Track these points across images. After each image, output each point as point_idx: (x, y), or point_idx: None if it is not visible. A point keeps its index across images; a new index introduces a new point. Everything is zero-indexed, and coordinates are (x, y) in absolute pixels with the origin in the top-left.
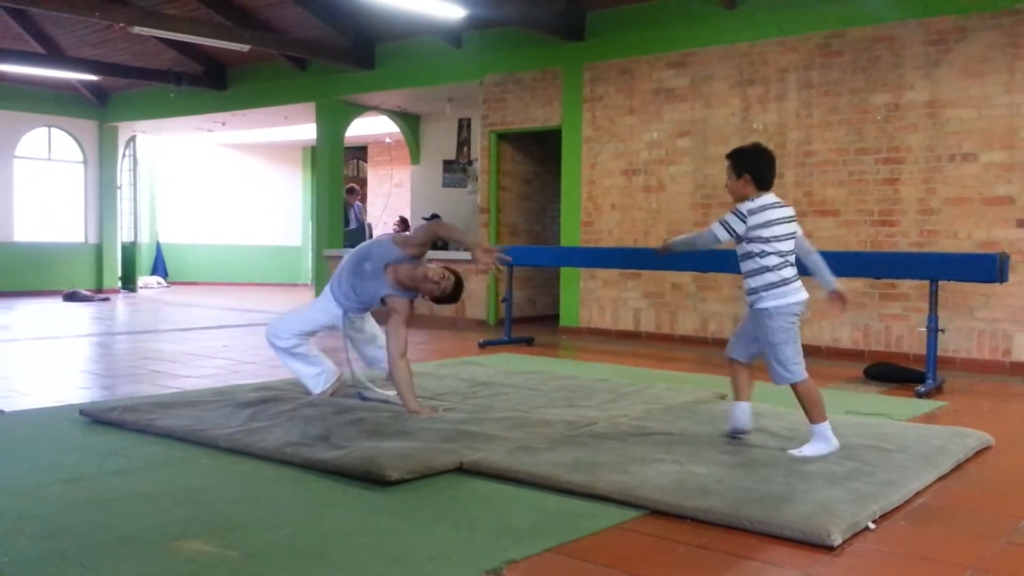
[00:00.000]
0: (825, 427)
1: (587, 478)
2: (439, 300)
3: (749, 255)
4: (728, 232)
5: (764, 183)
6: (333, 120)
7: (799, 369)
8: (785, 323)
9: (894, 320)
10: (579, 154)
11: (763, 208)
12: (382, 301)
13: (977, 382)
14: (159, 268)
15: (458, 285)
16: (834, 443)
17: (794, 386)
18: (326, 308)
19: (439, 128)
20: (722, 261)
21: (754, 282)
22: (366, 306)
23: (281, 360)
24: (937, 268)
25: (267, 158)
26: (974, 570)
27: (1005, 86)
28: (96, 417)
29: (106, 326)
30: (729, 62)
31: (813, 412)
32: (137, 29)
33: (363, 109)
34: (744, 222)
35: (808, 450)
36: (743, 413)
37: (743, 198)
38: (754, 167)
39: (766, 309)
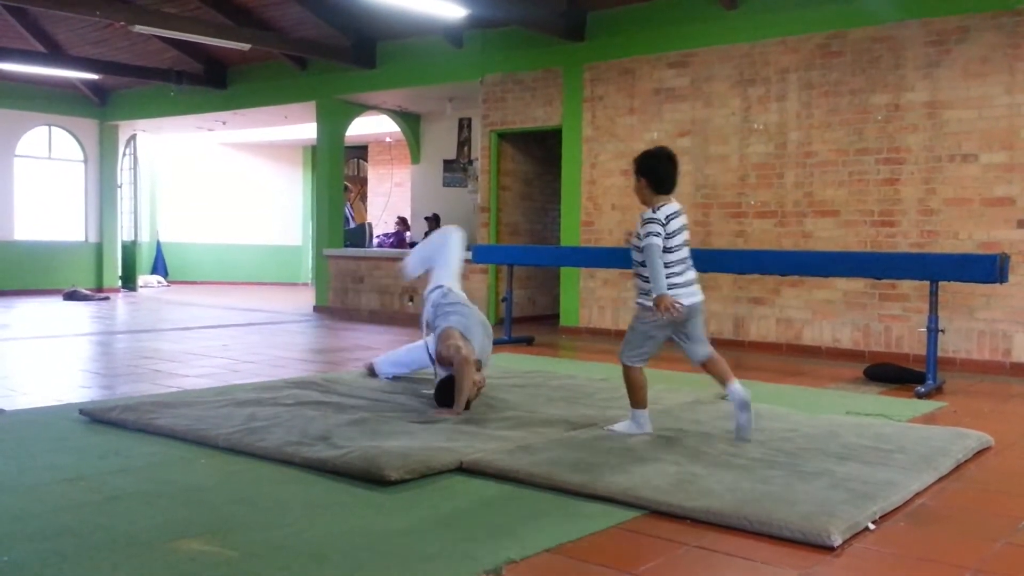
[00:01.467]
0: (641, 414)
1: (587, 478)
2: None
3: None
4: (659, 237)
5: (661, 187)
6: (333, 119)
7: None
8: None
9: (894, 321)
10: (579, 154)
11: (668, 217)
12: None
13: (977, 383)
14: (159, 267)
15: (444, 385)
16: (644, 428)
17: (625, 370)
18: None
19: (439, 127)
20: (722, 262)
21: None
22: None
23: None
24: (937, 269)
25: (267, 157)
26: (973, 571)
27: (1005, 87)
28: (96, 416)
29: (106, 325)
30: (730, 62)
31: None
32: (138, 28)
33: (363, 108)
34: (664, 227)
35: (620, 427)
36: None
37: (644, 202)
38: (650, 172)
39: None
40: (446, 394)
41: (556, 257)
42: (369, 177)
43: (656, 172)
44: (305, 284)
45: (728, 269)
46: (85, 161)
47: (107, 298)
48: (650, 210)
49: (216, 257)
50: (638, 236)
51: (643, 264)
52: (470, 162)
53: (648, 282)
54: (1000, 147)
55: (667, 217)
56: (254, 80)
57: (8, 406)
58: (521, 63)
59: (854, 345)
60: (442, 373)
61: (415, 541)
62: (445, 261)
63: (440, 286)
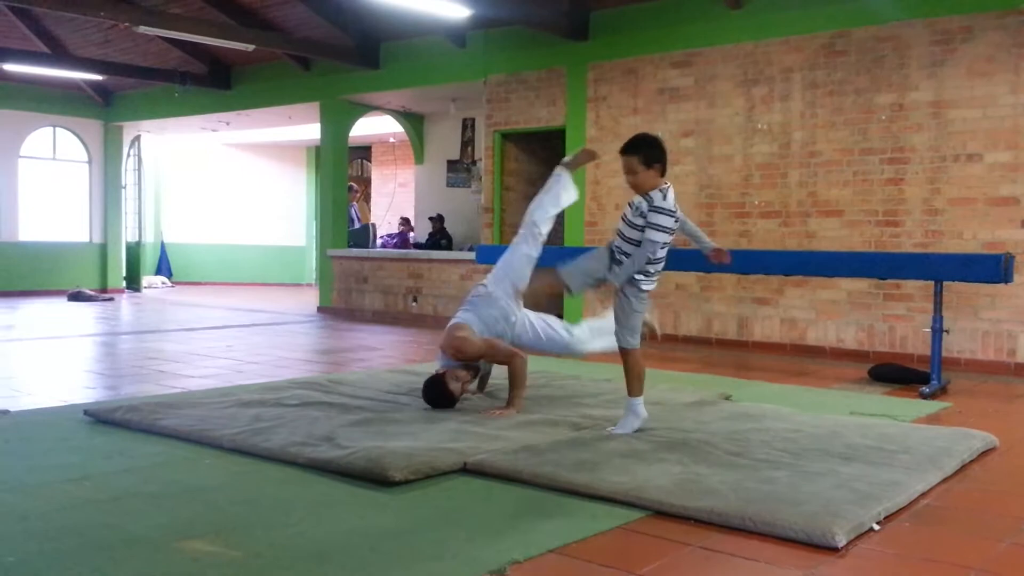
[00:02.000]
0: (639, 402)
1: (590, 479)
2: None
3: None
4: (667, 233)
5: (665, 170)
6: (337, 120)
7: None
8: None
9: (899, 321)
10: None
11: (674, 202)
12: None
13: (982, 383)
14: (163, 268)
15: (428, 384)
16: (643, 415)
17: (628, 355)
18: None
19: (443, 128)
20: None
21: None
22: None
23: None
24: (942, 269)
25: (271, 158)
26: (978, 572)
27: (1010, 86)
28: (100, 417)
29: (110, 326)
30: (734, 62)
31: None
32: (142, 29)
33: (367, 109)
34: (675, 217)
35: (621, 427)
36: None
37: (650, 188)
38: (660, 158)
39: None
40: (431, 393)
41: (560, 257)
42: (373, 177)
43: (664, 157)
44: (309, 285)
45: (732, 269)
46: (89, 162)
47: (111, 299)
48: (659, 194)
49: (220, 258)
50: (641, 214)
51: (635, 243)
52: (474, 162)
53: (638, 263)
54: (1005, 147)
55: (675, 204)
56: (258, 81)
57: (13, 407)
58: (525, 63)
59: (858, 345)
60: (440, 363)
61: (419, 541)
62: (512, 252)
63: (484, 284)
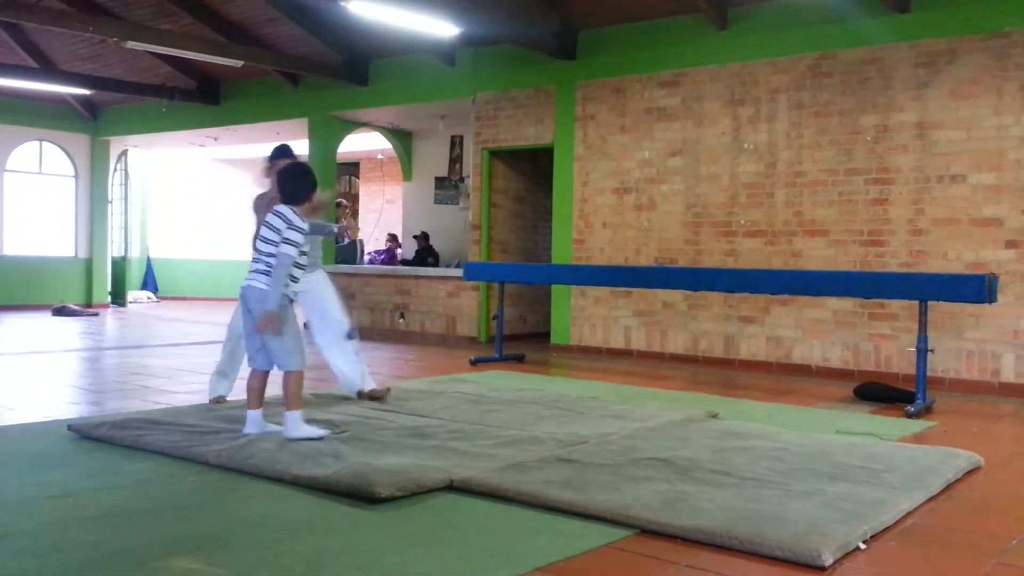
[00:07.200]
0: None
1: (577, 497)
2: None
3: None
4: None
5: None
6: (326, 136)
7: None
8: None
9: (884, 340)
10: (571, 172)
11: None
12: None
13: (966, 402)
14: (149, 283)
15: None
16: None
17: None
18: None
19: (431, 145)
20: (712, 280)
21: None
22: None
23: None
24: (926, 288)
25: (259, 173)
26: None
27: (994, 108)
28: (84, 433)
29: (95, 341)
30: (720, 82)
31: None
32: (131, 44)
33: (356, 125)
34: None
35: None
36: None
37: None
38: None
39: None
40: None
41: (547, 275)
42: (361, 194)
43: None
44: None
45: (718, 287)
46: (76, 176)
47: (96, 314)
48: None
49: (206, 273)
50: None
51: (271, 255)
52: (462, 179)
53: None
54: (988, 168)
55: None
56: (247, 96)
57: None
58: (513, 81)
59: (844, 364)
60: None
61: (405, 559)
62: None
63: None
